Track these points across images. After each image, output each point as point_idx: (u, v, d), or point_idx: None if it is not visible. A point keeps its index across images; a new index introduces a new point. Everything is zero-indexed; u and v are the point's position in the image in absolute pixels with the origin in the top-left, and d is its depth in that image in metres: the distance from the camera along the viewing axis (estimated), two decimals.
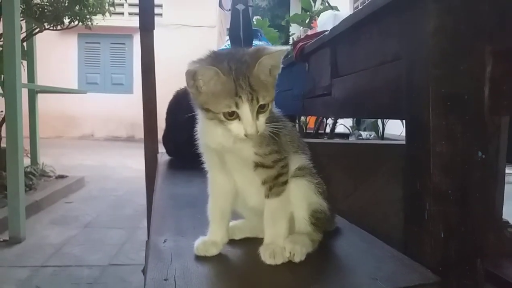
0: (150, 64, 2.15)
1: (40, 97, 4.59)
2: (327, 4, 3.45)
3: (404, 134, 0.92)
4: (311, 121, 4.42)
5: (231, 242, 0.81)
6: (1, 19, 2.78)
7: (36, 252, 2.55)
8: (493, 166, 0.89)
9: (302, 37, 2.20)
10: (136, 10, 3.68)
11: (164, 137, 1.89)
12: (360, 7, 1.18)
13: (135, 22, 2.33)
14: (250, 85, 0.66)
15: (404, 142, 0.90)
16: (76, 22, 4.23)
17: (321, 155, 0.87)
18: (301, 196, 0.77)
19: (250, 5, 2.28)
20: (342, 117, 3.67)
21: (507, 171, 1.30)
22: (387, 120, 3.73)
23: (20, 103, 2.76)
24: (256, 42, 3.10)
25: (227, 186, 0.80)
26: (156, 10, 2.57)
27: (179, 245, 0.79)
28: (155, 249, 0.77)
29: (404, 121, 0.94)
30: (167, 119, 1.87)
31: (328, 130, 3.92)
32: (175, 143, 1.81)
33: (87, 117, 10.02)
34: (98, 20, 4.42)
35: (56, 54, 9.31)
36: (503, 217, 1.30)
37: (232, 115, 0.67)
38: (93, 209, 3.63)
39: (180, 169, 1.71)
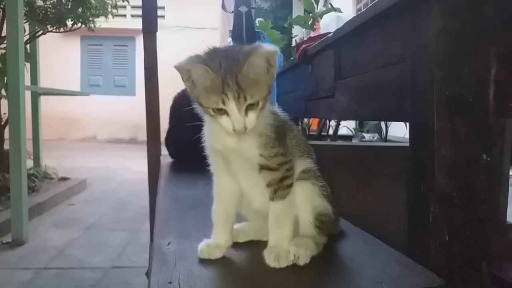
0: (153, 66, 2.16)
1: (43, 99, 4.60)
2: (329, 6, 3.45)
3: (407, 136, 0.92)
4: (314, 123, 4.42)
5: (235, 245, 0.80)
6: (5, 21, 2.79)
7: (38, 254, 2.55)
8: (497, 169, 0.89)
9: (305, 39, 2.20)
10: (138, 12, 3.69)
11: (166, 139, 1.89)
12: (363, 9, 1.18)
13: (137, 24, 2.33)
14: (238, 83, 0.66)
15: (407, 144, 0.90)
16: (79, 25, 4.25)
17: (324, 157, 0.86)
18: (306, 199, 0.77)
19: (253, 7, 2.28)
20: (345, 119, 3.67)
21: (511, 173, 1.30)
22: (390, 122, 3.72)
23: (23, 105, 2.76)
24: None
25: (232, 188, 0.79)
26: (159, 12, 2.57)
27: (183, 248, 0.79)
28: (159, 252, 0.77)
29: (407, 123, 0.93)
30: (169, 122, 1.88)
31: (331, 132, 3.92)
32: (177, 145, 1.81)
33: (89, 119, 10.05)
34: (101, 22, 4.44)
35: (59, 56, 9.35)
36: (508, 219, 1.29)
37: (221, 111, 0.68)
38: (96, 211, 3.63)
39: (183, 171, 1.71)
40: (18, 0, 2.69)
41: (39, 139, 4.49)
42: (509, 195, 1.29)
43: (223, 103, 0.67)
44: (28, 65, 3.52)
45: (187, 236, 0.85)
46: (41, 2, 4.03)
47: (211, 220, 0.80)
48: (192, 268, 0.70)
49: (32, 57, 4.18)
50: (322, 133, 3.86)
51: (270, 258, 0.71)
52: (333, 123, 3.86)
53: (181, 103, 1.64)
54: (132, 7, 8.35)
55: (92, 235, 2.99)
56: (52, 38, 4.94)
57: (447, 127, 0.76)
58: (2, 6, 3.42)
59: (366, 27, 1.17)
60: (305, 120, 4.20)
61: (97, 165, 6.18)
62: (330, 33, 1.55)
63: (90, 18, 4.24)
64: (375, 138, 4.18)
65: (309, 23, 3.63)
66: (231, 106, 0.67)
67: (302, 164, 0.79)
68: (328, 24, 2.36)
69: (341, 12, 3.09)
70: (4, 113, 3.66)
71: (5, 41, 2.84)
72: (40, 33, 4.20)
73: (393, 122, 3.61)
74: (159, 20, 2.24)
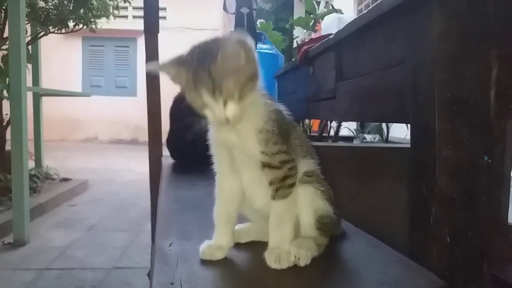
0: None
1: (45, 100, 4.61)
2: (331, 7, 3.46)
3: (408, 137, 0.92)
4: (315, 124, 4.42)
5: (237, 245, 0.80)
6: (7, 22, 2.80)
7: (40, 255, 2.55)
8: (499, 170, 0.89)
9: (306, 40, 2.20)
10: (140, 13, 3.70)
11: (168, 140, 1.90)
12: (364, 10, 1.19)
13: (139, 25, 2.34)
14: (211, 75, 0.66)
15: (409, 145, 0.90)
16: (80, 26, 4.26)
17: (325, 158, 0.86)
18: (308, 202, 0.77)
19: (254, 8, 2.29)
20: (347, 120, 3.67)
21: None
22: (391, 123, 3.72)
23: (25, 106, 2.77)
24: (260, 45, 3.11)
25: (235, 189, 0.79)
26: (160, 13, 2.58)
27: (184, 248, 0.79)
28: (161, 253, 0.77)
29: (409, 124, 0.94)
30: (170, 123, 1.88)
31: (332, 133, 3.92)
32: (178, 146, 1.82)
33: (91, 120, 10.06)
34: (103, 23, 4.45)
35: (61, 57, 9.36)
36: (509, 221, 1.29)
37: (202, 103, 0.69)
38: (97, 212, 3.63)
39: (184, 172, 1.71)
40: (20, 1, 2.70)
41: (41, 140, 4.50)
42: (510, 197, 1.29)
43: (200, 97, 0.68)
44: (29, 66, 3.53)
45: (189, 237, 0.85)
46: (43, 3, 4.05)
47: (212, 221, 0.80)
48: (193, 269, 0.70)
49: (33, 58, 4.19)
50: (323, 134, 3.86)
51: (271, 260, 0.71)
52: (334, 124, 3.86)
53: (181, 103, 1.65)
54: (134, 8, 8.36)
55: (93, 236, 2.99)
56: (53, 39, 4.94)
57: (448, 128, 0.77)
58: (4, 7, 3.43)
59: (367, 29, 1.17)
60: (306, 121, 4.20)
61: (98, 166, 6.18)
62: (331, 34, 1.55)
63: (92, 19, 4.25)
64: (376, 139, 4.17)
65: (311, 24, 3.64)
66: (206, 99, 0.68)
67: (305, 164, 0.79)
68: (329, 25, 2.36)
69: (342, 13, 3.09)
70: (6, 114, 3.66)
71: (7, 42, 2.85)
72: (41, 34, 4.21)
73: (394, 123, 3.61)
74: (161, 21, 2.25)
